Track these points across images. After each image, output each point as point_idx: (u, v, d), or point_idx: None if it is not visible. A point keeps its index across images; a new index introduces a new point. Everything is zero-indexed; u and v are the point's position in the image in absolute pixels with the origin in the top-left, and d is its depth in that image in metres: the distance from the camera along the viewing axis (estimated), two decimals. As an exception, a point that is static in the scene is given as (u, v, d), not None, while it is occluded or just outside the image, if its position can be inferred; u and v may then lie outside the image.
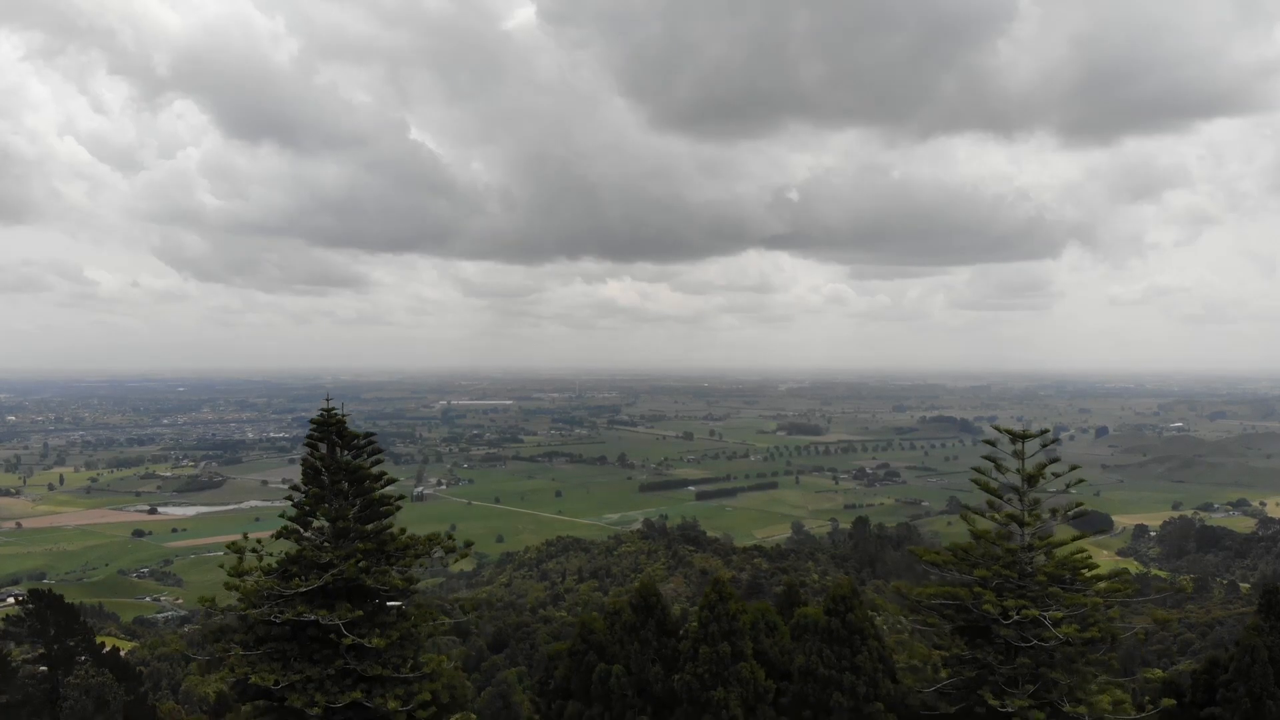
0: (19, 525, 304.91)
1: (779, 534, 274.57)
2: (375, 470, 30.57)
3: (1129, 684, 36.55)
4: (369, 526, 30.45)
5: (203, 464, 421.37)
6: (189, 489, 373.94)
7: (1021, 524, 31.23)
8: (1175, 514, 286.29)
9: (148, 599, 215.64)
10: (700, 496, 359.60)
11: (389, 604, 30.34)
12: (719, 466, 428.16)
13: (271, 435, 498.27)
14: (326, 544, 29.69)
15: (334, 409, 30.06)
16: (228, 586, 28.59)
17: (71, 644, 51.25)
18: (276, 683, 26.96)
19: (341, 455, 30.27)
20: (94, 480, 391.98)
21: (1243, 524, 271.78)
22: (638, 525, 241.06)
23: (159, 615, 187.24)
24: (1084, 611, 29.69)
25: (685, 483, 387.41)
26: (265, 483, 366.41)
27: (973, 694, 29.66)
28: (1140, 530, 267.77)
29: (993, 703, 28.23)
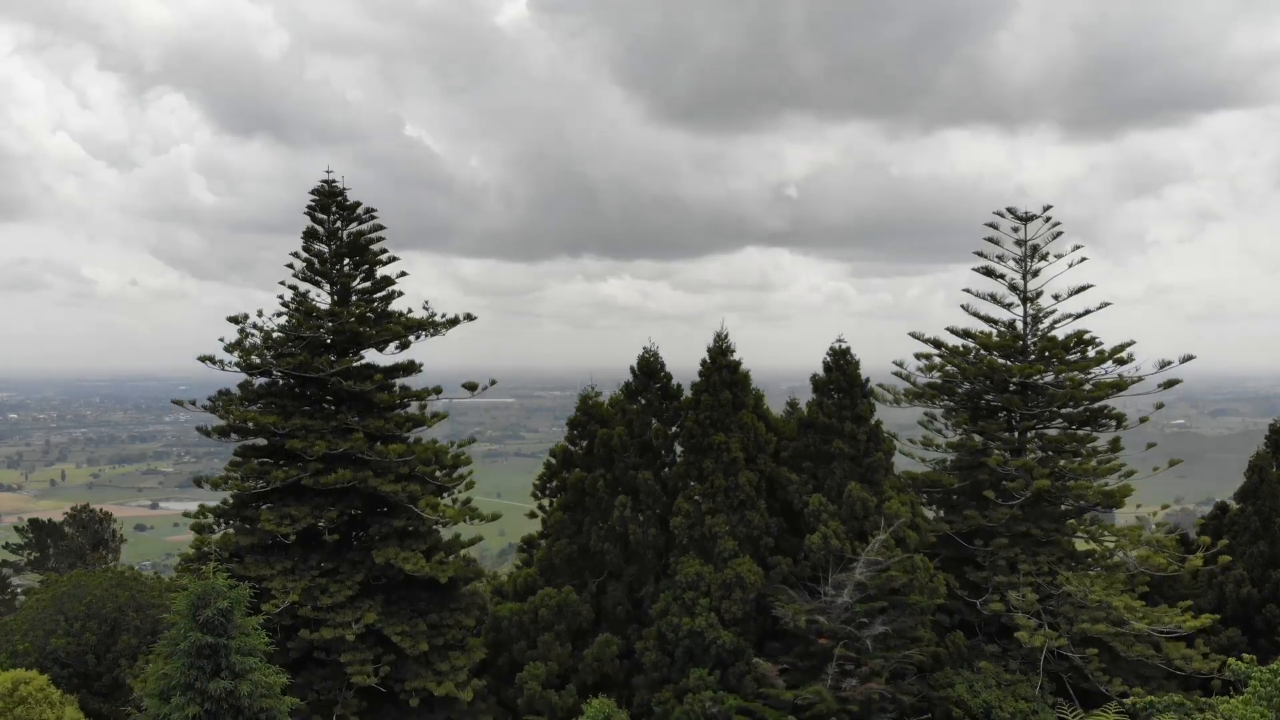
0: (21, 520, 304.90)
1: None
2: (378, 246, 30.39)
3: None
4: (377, 296, 30.36)
5: (205, 459, 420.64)
6: (191, 484, 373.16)
7: (1025, 300, 31.16)
8: (1178, 508, 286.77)
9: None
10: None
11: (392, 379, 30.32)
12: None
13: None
14: (329, 307, 29.63)
15: (334, 180, 29.86)
16: (228, 350, 28.46)
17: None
18: (277, 424, 26.86)
19: (344, 229, 30.08)
20: (95, 476, 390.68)
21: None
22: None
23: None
24: (1090, 386, 29.55)
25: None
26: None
27: (979, 467, 29.49)
28: (1142, 522, 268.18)
29: (995, 461, 28.07)
